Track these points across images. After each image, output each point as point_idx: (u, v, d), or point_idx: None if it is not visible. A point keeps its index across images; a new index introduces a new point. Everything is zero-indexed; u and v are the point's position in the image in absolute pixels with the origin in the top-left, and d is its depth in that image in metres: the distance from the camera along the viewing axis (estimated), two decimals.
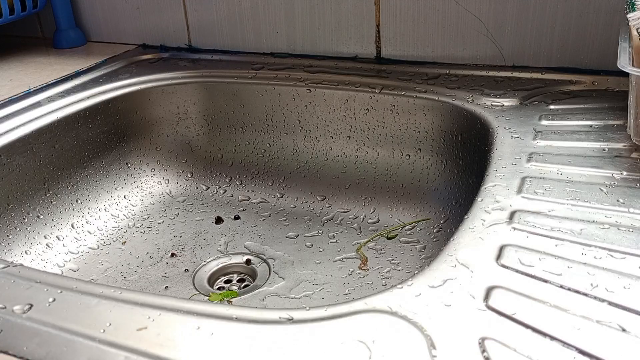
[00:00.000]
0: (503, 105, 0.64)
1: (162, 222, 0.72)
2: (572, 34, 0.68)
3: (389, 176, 0.72)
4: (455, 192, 0.66)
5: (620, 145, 0.52)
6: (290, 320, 0.35)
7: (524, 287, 0.36)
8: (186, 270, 0.64)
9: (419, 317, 0.34)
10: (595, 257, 0.38)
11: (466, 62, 0.74)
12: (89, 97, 0.73)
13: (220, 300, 0.60)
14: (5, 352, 0.33)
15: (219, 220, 0.72)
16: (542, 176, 0.49)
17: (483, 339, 0.32)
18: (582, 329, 0.32)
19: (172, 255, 0.67)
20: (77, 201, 0.70)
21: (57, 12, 0.93)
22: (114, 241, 0.69)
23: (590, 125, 0.57)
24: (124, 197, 0.75)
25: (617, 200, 0.44)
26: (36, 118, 0.67)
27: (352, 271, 0.62)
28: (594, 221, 0.42)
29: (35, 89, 0.75)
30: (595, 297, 0.35)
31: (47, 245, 0.65)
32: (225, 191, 0.77)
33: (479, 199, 0.46)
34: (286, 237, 0.69)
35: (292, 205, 0.74)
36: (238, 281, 0.64)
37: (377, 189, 0.72)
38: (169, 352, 0.33)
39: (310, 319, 0.35)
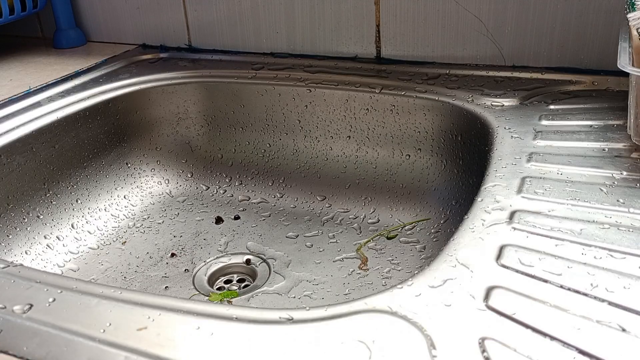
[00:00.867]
0: (503, 105, 0.64)
1: (162, 222, 0.72)
2: (572, 34, 0.68)
3: (389, 176, 0.72)
4: (455, 192, 0.66)
5: (620, 145, 0.52)
6: (290, 320, 0.35)
7: (524, 287, 0.36)
8: (186, 270, 0.64)
9: (419, 317, 0.34)
10: (595, 257, 0.38)
11: (466, 62, 0.74)
12: (89, 97, 0.73)
13: (220, 300, 0.60)
14: (5, 352, 0.33)
15: (219, 220, 0.72)
16: (542, 176, 0.49)
17: (483, 339, 0.32)
18: (582, 329, 0.32)
19: (172, 255, 0.67)
20: (77, 201, 0.70)
21: (57, 12, 0.93)
22: (114, 241, 0.69)
23: (590, 125, 0.57)
24: (124, 197, 0.75)
25: (617, 200, 0.44)
26: (36, 118, 0.67)
27: (352, 271, 0.62)
28: (594, 221, 0.42)
29: (35, 89, 0.75)
30: (595, 297, 0.35)
31: (47, 245, 0.65)
32: (225, 191, 0.77)
33: (479, 199, 0.46)
34: (286, 237, 0.69)
35: (292, 205, 0.74)
36: (238, 281, 0.64)
37: (377, 189, 0.72)
38: (169, 352, 0.33)
39: (310, 319, 0.35)
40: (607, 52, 0.68)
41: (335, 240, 0.67)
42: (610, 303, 0.34)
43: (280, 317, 0.35)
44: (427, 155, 0.70)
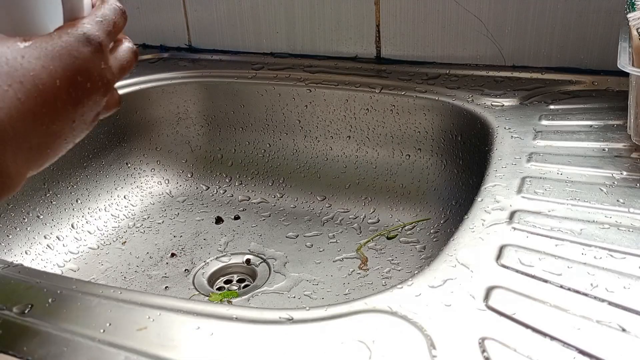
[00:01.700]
0: (503, 105, 0.64)
1: (162, 222, 0.72)
2: (572, 34, 0.68)
3: (389, 176, 0.72)
4: (455, 192, 0.66)
5: (620, 145, 0.52)
6: (290, 320, 0.35)
7: (524, 287, 0.36)
8: (186, 270, 0.64)
9: (419, 317, 0.34)
10: (595, 257, 0.38)
11: (466, 62, 0.74)
12: None
13: (220, 300, 0.60)
14: (5, 352, 0.33)
15: (219, 220, 0.72)
16: (542, 176, 0.49)
17: (483, 339, 0.32)
18: (582, 329, 0.32)
19: (172, 255, 0.67)
20: (77, 201, 0.70)
21: None
22: (114, 241, 0.69)
23: (590, 125, 0.57)
24: (124, 197, 0.75)
25: (617, 200, 0.44)
26: None
27: (352, 271, 0.62)
28: (594, 221, 0.42)
29: None
30: (595, 297, 0.35)
31: (47, 245, 0.65)
32: (225, 191, 0.77)
33: (479, 199, 0.46)
34: (286, 237, 0.69)
35: (292, 205, 0.74)
36: (238, 281, 0.64)
37: (377, 189, 0.72)
38: (169, 352, 0.33)
39: (310, 319, 0.35)
40: (607, 52, 0.68)
41: (335, 240, 0.67)
42: (610, 303, 0.34)
43: (280, 317, 0.35)
44: (427, 155, 0.70)
